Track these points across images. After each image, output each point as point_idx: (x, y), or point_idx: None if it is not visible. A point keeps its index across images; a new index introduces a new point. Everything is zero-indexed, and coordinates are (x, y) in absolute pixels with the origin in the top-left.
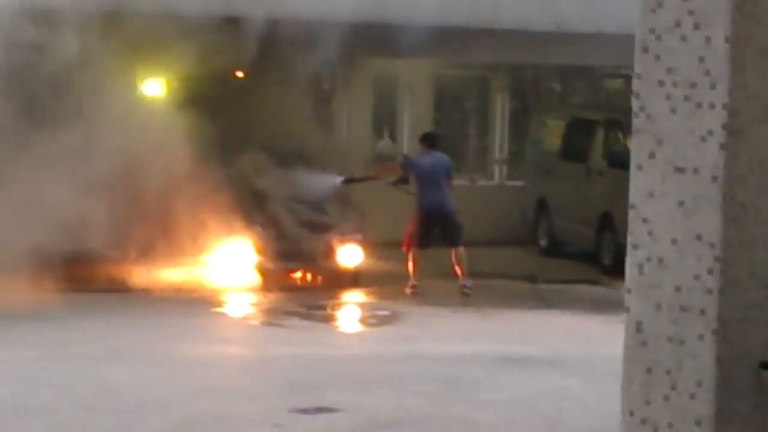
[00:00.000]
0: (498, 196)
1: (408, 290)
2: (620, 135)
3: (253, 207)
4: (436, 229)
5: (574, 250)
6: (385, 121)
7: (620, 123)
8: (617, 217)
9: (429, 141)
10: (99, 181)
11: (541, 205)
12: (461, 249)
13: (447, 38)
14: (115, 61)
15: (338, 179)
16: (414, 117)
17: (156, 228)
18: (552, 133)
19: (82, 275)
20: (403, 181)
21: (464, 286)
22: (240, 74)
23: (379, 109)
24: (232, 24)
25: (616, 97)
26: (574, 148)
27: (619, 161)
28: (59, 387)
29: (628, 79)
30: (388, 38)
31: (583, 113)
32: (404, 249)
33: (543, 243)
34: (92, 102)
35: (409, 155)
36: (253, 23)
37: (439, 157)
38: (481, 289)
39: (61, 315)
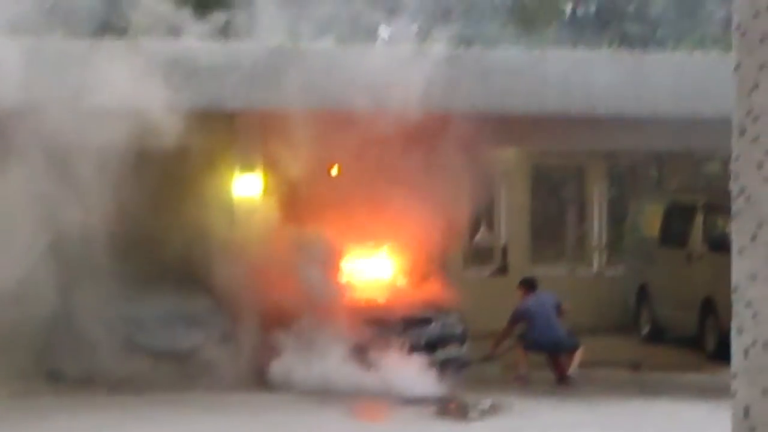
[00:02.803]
0: (598, 284)
1: (516, 379)
2: (720, 219)
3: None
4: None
5: (676, 336)
6: (481, 211)
7: (719, 206)
8: (720, 302)
9: (528, 285)
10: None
11: (642, 292)
12: (579, 351)
13: (542, 126)
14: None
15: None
16: (511, 207)
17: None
18: (650, 218)
19: (181, 374)
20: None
21: (569, 376)
22: (334, 171)
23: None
24: (334, 118)
25: (714, 180)
26: (673, 234)
27: (720, 245)
28: None
29: (725, 162)
30: (484, 128)
31: (681, 198)
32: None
33: (645, 330)
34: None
35: (517, 309)
36: (356, 116)
37: (542, 297)
38: (585, 378)
39: (165, 416)
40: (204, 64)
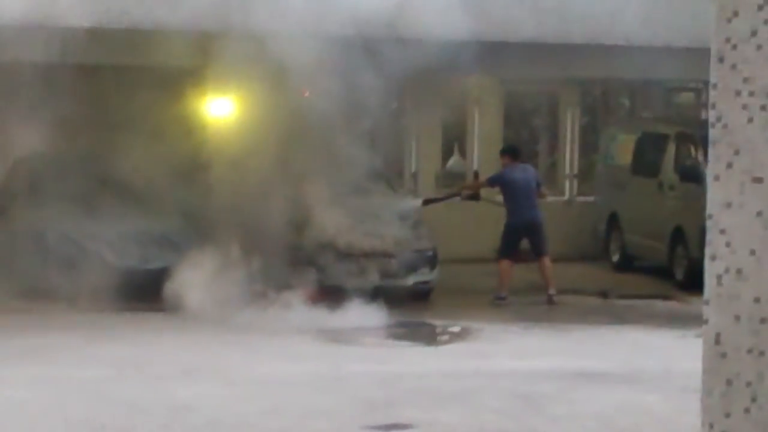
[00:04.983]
0: (568, 212)
1: (495, 300)
2: (692, 149)
3: (323, 226)
4: (524, 240)
5: (646, 265)
6: (454, 138)
7: (691, 137)
8: (689, 231)
9: (512, 153)
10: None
11: (613, 220)
12: (547, 259)
13: (514, 54)
14: None
15: (417, 201)
16: (483, 133)
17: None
18: (622, 147)
19: (150, 293)
20: (474, 197)
21: (551, 295)
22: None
23: (448, 126)
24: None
25: (687, 110)
26: (645, 163)
27: (691, 175)
28: (133, 405)
29: (698, 92)
30: (456, 55)
31: (653, 127)
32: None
33: (615, 258)
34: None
35: (498, 173)
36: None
37: (527, 169)
38: (554, 305)
39: (133, 333)
40: None
